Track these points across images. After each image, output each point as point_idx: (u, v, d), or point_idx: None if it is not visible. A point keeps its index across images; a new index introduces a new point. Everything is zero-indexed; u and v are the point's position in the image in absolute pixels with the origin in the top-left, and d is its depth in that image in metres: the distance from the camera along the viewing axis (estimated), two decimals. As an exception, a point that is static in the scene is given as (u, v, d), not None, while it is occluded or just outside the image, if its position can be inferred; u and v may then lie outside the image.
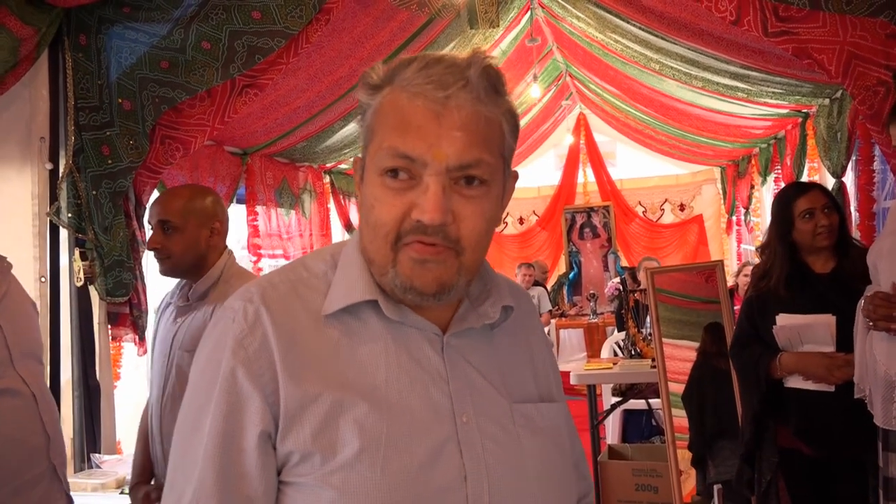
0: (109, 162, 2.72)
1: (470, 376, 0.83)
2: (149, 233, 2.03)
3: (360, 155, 0.86)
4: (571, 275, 8.93)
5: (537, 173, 9.29)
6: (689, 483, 3.72)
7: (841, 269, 2.31)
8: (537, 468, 0.84)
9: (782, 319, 2.32)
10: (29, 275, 2.52)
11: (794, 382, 2.31)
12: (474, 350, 0.86)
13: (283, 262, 4.47)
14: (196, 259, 1.95)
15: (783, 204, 2.42)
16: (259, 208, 4.43)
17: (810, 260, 2.37)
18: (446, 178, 0.76)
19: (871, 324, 1.89)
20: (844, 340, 2.18)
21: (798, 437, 2.33)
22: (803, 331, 2.28)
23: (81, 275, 2.63)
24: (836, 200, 2.41)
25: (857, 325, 2.02)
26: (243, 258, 4.69)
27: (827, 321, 2.25)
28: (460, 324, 0.85)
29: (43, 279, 2.53)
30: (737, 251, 7.89)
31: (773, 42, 2.41)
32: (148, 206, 2.02)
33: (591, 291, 7.96)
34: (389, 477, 0.75)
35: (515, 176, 0.88)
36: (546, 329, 7.47)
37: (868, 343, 1.96)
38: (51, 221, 2.60)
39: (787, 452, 2.37)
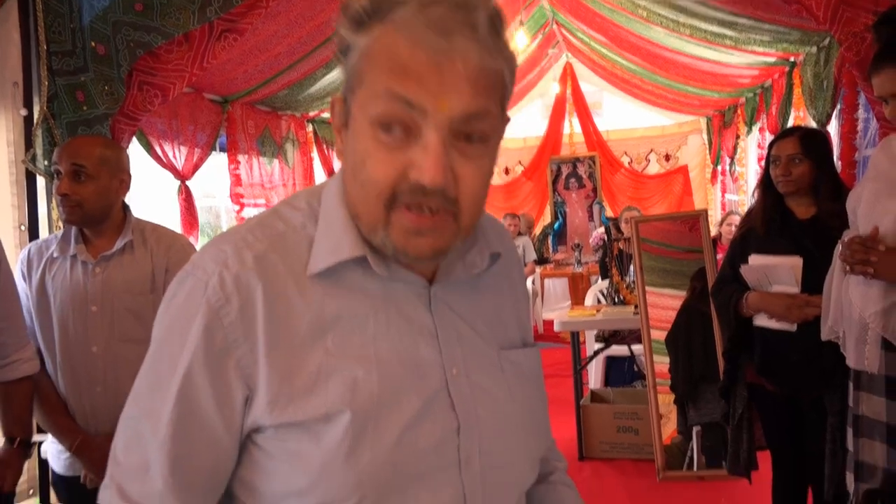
0: (85, 108, 2.66)
1: (458, 327, 0.81)
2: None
3: (340, 96, 0.76)
4: (556, 225, 8.96)
5: (523, 123, 9.22)
6: (669, 427, 3.83)
7: (820, 216, 2.34)
8: (524, 415, 0.84)
9: (753, 259, 2.39)
10: (7, 223, 2.49)
11: (760, 321, 2.39)
12: (461, 300, 0.82)
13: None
14: (104, 209, 1.92)
15: (767, 149, 2.47)
16: (241, 157, 4.39)
17: (792, 205, 2.40)
18: (448, 132, 0.69)
19: (847, 268, 1.93)
20: (811, 283, 2.24)
21: (761, 373, 2.44)
22: (769, 271, 2.34)
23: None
24: (815, 148, 2.38)
25: (832, 270, 2.05)
26: (227, 207, 4.66)
27: (792, 263, 2.30)
28: (447, 275, 0.81)
29: (23, 227, 2.51)
30: (721, 201, 7.93)
31: (761, -15, 2.38)
32: (56, 151, 1.92)
33: (576, 241, 8.02)
34: (382, 435, 0.73)
35: (507, 120, 0.80)
36: (531, 278, 7.53)
37: (844, 287, 1.99)
38: (27, 169, 2.56)
39: (755, 388, 2.48)
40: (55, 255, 1.95)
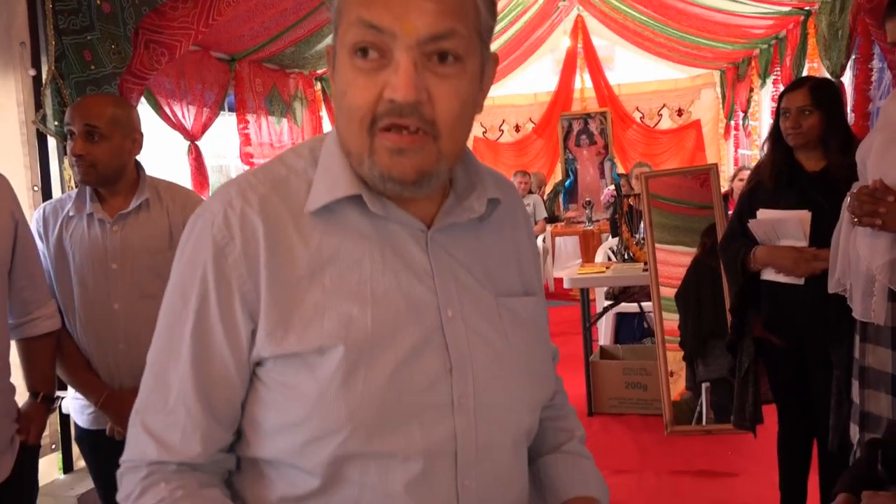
0: (92, 67, 2.66)
1: (455, 272, 0.83)
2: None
3: (331, 43, 0.81)
4: (567, 182, 8.92)
5: (534, 79, 9.11)
6: (679, 384, 3.85)
7: (830, 168, 2.32)
8: (521, 361, 0.85)
9: (761, 214, 2.38)
10: (21, 184, 2.51)
11: (768, 275, 2.39)
12: (459, 245, 0.85)
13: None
14: (118, 169, 1.93)
15: (777, 101, 2.44)
16: (250, 116, 4.38)
17: (802, 158, 2.38)
18: (417, 52, 0.72)
19: (855, 220, 1.92)
20: (819, 237, 2.24)
21: (768, 327, 2.45)
22: (777, 225, 2.33)
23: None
24: (826, 99, 2.34)
25: (841, 222, 2.05)
26: (237, 167, 4.67)
27: (800, 216, 2.29)
28: (445, 219, 0.83)
29: (36, 188, 2.53)
30: (734, 156, 7.85)
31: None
32: (69, 112, 1.92)
33: (587, 199, 7.98)
34: (375, 370, 0.76)
35: (496, 59, 0.83)
36: (541, 237, 7.53)
37: (851, 239, 1.99)
38: (38, 130, 2.58)
39: (762, 342, 2.49)
40: (71, 213, 1.97)
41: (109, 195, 1.97)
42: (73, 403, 2.08)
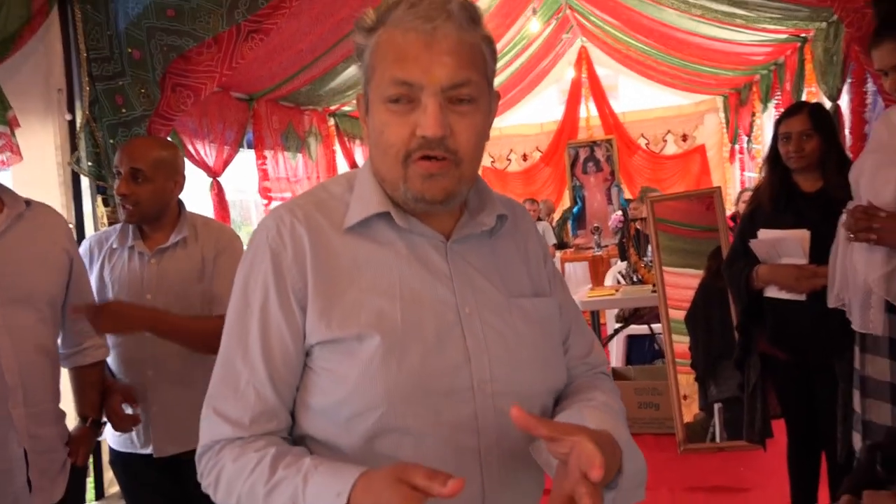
0: (123, 111, 2.82)
1: (471, 276, 0.97)
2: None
3: (361, 92, 0.98)
4: (575, 209, 9.03)
5: (540, 109, 9.29)
6: (693, 407, 3.88)
7: (827, 189, 2.42)
8: (530, 352, 0.98)
9: (762, 234, 2.47)
10: (59, 222, 2.65)
11: (771, 292, 2.47)
12: (474, 254, 0.99)
13: (293, 204, 4.56)
14: (160, 208, 2.05)
15: (774, 125, 2.54)
16: (267, 153, 4.54)
17: (799, 179, 2.48)
18: (441, 97, 0.88)
19: (851, 236, 2.01)
20: (818, 254, 2.32)
21: (773, 343, 2.52)
22: (778, 244, 2.42)
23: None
24: (824, 123, 2.46)
25: (837, 239, 2.14)
26: (256, 202, 4.82)
27: (800, 235, 2.38)
28: (461, 231, 0.98)
29: (70, 225, 2.67)
30: (740, 179, 7.95)
31: (763, -33, 2.46)
32: (117, 154, 2.04)
33: (595, 225, 8.08)
34: (407, 356, 0.90)
35: (498, 95, 1.00)
36: (551, 263, 7.61)
37: (848, 255, 2.08)
38: (72, 170, 2.73)
39: (768, 358, 2.56)
40: (115, 245, 2.10)
41: (151, 230, 2.09)
42: (109, 427, 2.18)
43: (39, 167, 2.66)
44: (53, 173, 2.66)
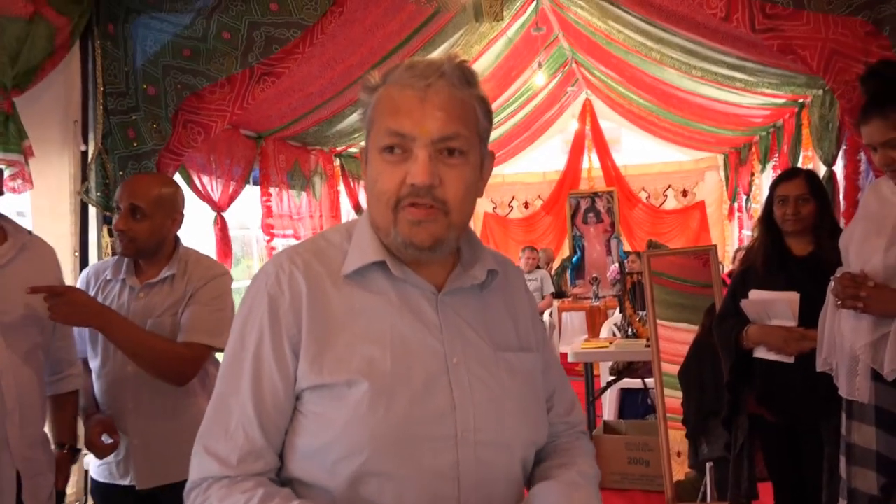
0: (135, 144, 2.90)
1: (460, 327, 1.01)
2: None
3: (363, 143, 1.05)
4: (575, 258, 9.09)
5: (543, 158, 9.43)
6: (684, 466, 3.87)
7: (818, 253, 2.46)
8: (514, 405, 1.01)
9: (753, 294, 2.51)
10: (67, 249, 2.71)
11: (760, 353, 2.50)
12: (464, 306, 1.03)
13: (293, 241, 4.64)
14: (156, 244, 2.09)
15: (770, 188, 2.60)
16: (272, 190, 4.61)
17: (791, 243, 2.53)
18: (432, 149, 0.94)
19: (838, 302, 2.05)
20: (807, 317, 2.35)
21: (761, 403, 2.54)
22: (768, 306, 2.45)
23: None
24: (819, 189, 2.53)
25: (826, 304, 2.18)
26: (256, 238, 4.87)
27: (790, 298, 2.41)
28: (453, 283, 1.03)
29: (76, 253, 2.73)
30: (738, 237, 8.01)
31: (760, 37, 2.56)
32: (119, 188, 2.09)
33: (594, 275, 8.12)
34: (393, 402, 0.93)
35: (492, 155, 1.06)
36: (548, 311, 7.64)
37: (836, 321, 2.11)
38: (81, 199, 2.79)
39: (756, 418, 2.57)
40: (108, 277, 2.14)
41: (146, 265, 2.13)
42: (91, 458, 2.19)
43: (55, 195, 2.73)
44: (66, 202, 2.72)
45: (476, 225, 9.60)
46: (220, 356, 2.12)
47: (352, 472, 0.92)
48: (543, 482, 1.01)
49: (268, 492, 0.91)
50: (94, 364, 2.11)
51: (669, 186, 9.32)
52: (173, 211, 2.12)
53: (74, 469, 2.55)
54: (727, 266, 6.70)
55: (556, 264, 9.05)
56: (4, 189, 2.01)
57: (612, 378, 4.69)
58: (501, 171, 9.30)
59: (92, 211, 2.87)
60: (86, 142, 2.81)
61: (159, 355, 1.93)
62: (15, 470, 1.72)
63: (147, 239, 2.05)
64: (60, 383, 1.98)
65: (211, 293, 2.05)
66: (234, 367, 0.99)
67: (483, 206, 9.66)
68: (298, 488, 0.97)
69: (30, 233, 1.87)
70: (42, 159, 2.59)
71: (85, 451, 2.24)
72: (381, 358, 0.95)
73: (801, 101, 4.72)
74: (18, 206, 2.68)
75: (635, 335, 4.72)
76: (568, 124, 9.15)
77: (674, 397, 3.91)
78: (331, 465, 0.93)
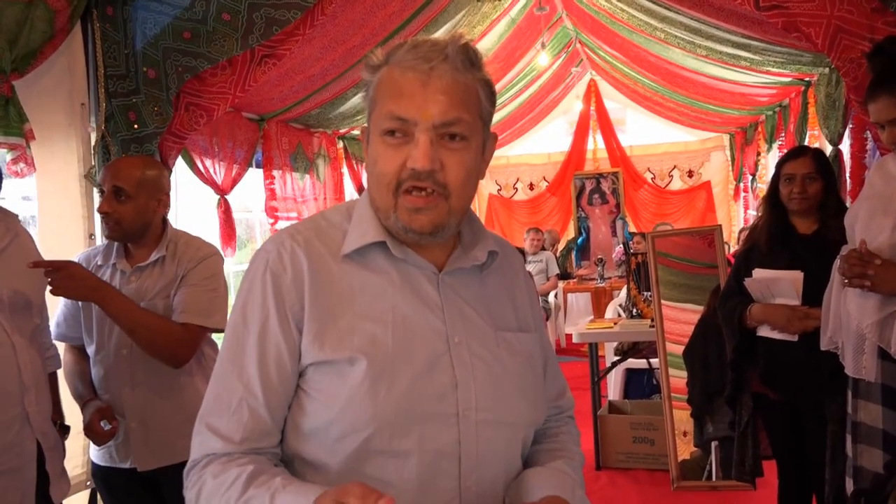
0: (136, 127, 2.88)
1: (461, 307, 1.01)
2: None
3: (365, 125, 1.03)
4: (580, 240, 9.07)
5: (548, 139, 9.39)
6: (689, 446, 3.87)
7: (822, 232, 2.45)
8: (514, 383, 1.02)
9: (756, 273, 2.50)
10: (79, 232, 2.71)
11: (764, 332, 2.50)
12: (465, 287, 1.04)
13: (298, 224, 4.61)
14: (142, 226, 2.08)
15: (776, 166, 2.58)
16: (275, 172, 4.60)
17: (796, 221, 2.51)
18: (433, 133, 0.93)
19: (845, 281, 2.03)
20: (811, 296, 2.35)
21: (764, 382, 2.54)
22: (771, 284, 2.45)
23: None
24: (826, 168, 2.51)
25: (832, 283, 2.16)
26: (261, 220, 4.87)
27: (793, 277, 2.40)
28: (453, 264, 1.03)
29: (92, 236, 2.73)
30: (744, 217, 7.98)
31: (764, 15, 2.52)
32: (101, 170, 2.09)
33: (599, 256, 8.11)
34: (395, 380, 0.93)
35: (495, 137, 1.05)
36: (553, 293, 7.64)
37: (842, 299, 2.10)
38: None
39: (760, 397, 2.58)
40: (99, 262, 2.14)
41: (135, 248, 2.13)
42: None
43: (63, 178, 2.71)
44: (76, 184, 2.72)
45: (480, 207, 9.58)
46: (215, 336, 2.13)
47: (353, 450, 0.92)
48: (531, 469, 1.04)
49: (257, 469, 0.91)
50: (90, 349, 2.12)
51: (675, 167, 9.27)
52: (158, 192, 2.10)
53: (80, 452, 2.58)
54: (733, 246, 6.68)
55: (561, 245, 9.04)
56: (7, 173, 2.01)
57: (616, 358, 4.69)
58: (506, 153, 9.26)
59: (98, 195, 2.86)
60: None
61: (156, 331, 1.95)
62: (36, 442, 1.77)
63: (132, 221, 2.05)
64: (46, 363, 2.01)
65: (202, 274, 2.06)
66: (236, 345, 0.98)
67: (488, 187, 9.64)
68: (300, 466, 0.97)
69: (15, 216, 1.88)
70: (47, 143, 2.58)
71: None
72: (382, 336, 0.95)
73: (807, 79, 4.68)
74: (24, 191, 2.69)
75: (640, 316, 4.72)
76: (572, 105, 9.09)
77: (679, 377, 3.92)
78: (332, 442, 0.93)
